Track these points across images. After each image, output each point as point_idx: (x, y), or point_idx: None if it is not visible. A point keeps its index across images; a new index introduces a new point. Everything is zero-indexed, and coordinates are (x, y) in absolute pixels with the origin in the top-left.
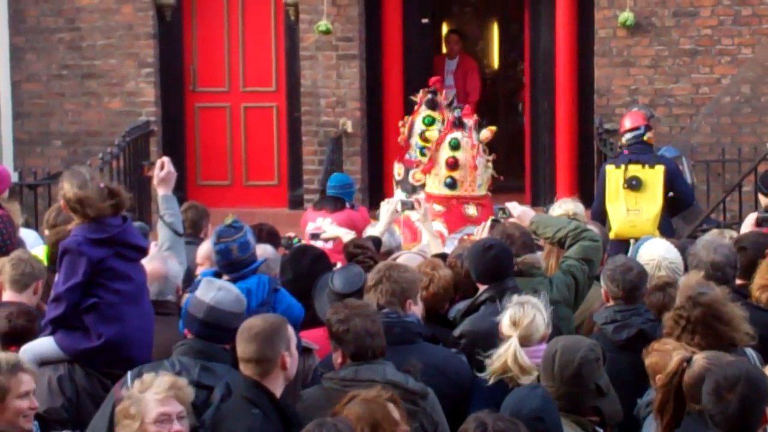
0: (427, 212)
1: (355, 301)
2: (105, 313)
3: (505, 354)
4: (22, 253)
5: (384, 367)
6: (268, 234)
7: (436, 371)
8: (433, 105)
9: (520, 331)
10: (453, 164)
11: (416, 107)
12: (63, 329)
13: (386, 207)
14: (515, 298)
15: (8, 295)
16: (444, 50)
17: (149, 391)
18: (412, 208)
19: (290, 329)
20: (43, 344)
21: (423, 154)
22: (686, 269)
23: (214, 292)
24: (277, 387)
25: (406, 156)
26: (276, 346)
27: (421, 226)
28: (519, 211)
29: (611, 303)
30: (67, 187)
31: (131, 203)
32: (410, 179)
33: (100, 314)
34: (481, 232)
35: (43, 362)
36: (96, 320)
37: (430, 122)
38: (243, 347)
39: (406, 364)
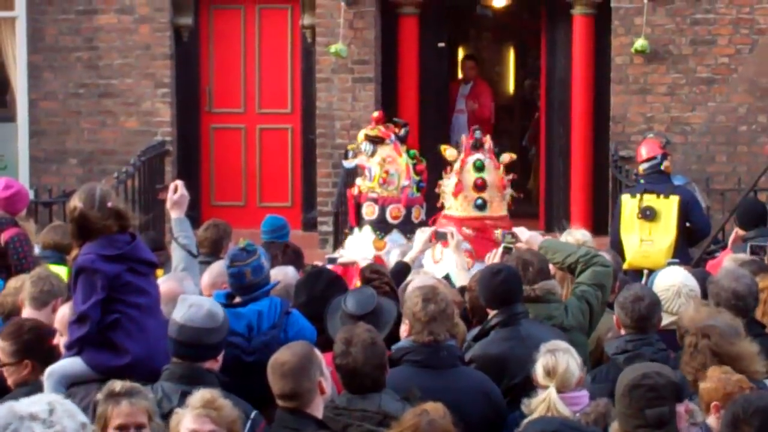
0: (459, 244)
1: (364, 332)
2: (129, 328)
3: (543, 405)
4: (43, 271)
5: (380, 396)
6: (293, 254)
7: (480, 395)
8: (403, 140)
9: (557, 380)
10: (482, 185)
11: (394, 145)
12: (90, 348)
13: (421, 235)
14: (544, 346)
15: (27, 312)
16: (460, 75)
17: (190, 406)
18: (445, 238)
19: (318, 353)
20: (70, 364)
21: (419, 190)
22: (704, 297)
23: (185, 309)
24: (318, 412)
25: (409, 194)
26: (312, 376)
27: (452, 256)
28: (527, 236)
29: (623, 332)
30: (74, 203)
31: (142, 221)
32: (387, 217)
33: (125, 330)
34: (493, 258)
35: (72, 383)
36: (122, 336)
37: (413, 155)
38: (278, 384)
39: (406, 392)
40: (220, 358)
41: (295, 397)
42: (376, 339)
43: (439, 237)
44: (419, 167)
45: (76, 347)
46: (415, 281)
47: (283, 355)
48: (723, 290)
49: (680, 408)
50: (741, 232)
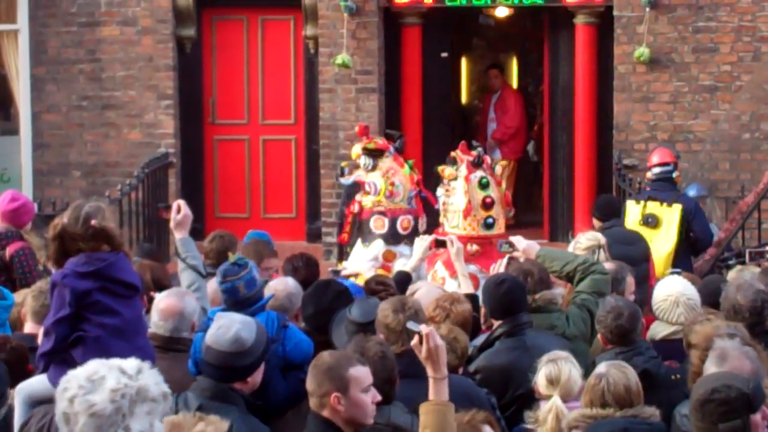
0: (460, 251)
1: (375, 345)
2: (90, 347)
3: (551, 415)
4: (44, 285)
5: (389, 408)
6: (315, 266)
7: (467, 400)
8: (400, 151)
9: (560, 389)
10: (491, 204)
11: (394, 156)
12: (55, 365)
13: (420, 243)
14: (545, 356)
15: (29, 327)
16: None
17: None
18: (445, 245)
19: (356, 372)
20: (37, 383)
21: (421, 200)
22: (705, 305)
23: (213, 330)
24: (334, 418)
25: (395, 204)
26: (322, 383)
27: (454, 264)
28: (524, 245)
29: (609, 346)
30: (59, 219)
31: (145, 234)
32: (398, 229)
33: (85, 348)
34: (497, 268)
35: (38, 401)
36: (82, 354)
37: (411, 166)
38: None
39: (415, 404)
40: (251, 379)
41: (309, 392)
42: (386, 353)
43: (440, 244)
44: (418, 178)
45: (42, 362)
46: (421, 290)
47: (324, 353)
48: (737, 301)
49: (756, 416)
50: (598, 223)
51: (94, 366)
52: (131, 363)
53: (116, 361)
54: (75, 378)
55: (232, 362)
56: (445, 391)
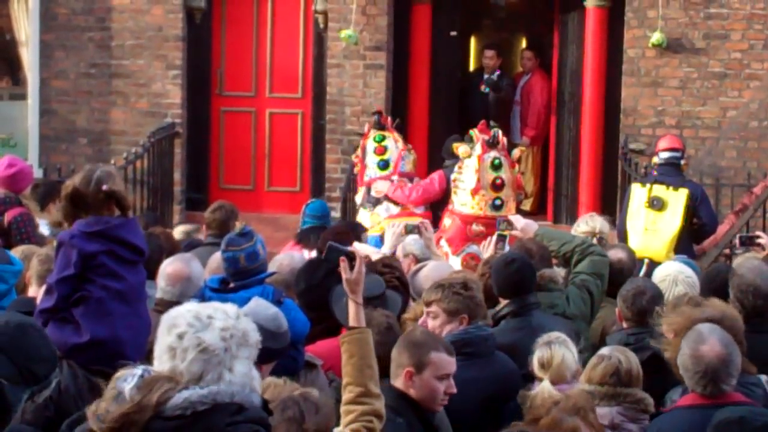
0: (433, 237)
1: (380, 316)
2: (92, 308)
3: (538, 397)
4: (51, 250)
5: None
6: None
7: (505, 379)
8: (380, 126)
9: (551, 372)
10: (501, 185)
11: (365, 133)
12: (54, 322)
13: (391, 230)
14: (541, 338)
15: (34, 290)
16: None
17: None
18: (418, 231)
19: (437, 357)
20: None
21: (381, 168)
22: (707, 290)
23: (254, 305)
24: (407, 390)
25: (365, 179)
26: (402, 354)
27: (429, 250)
28: (522, 224)
29: (624, 324)
30: (71, 180)
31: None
32: (373, 193)
33: (87, 308)
34: (487, 246)
35: None
36: (83, 314)
37: (380, 139)
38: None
39: None
40: (265, 368)
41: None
42: (392, 324)
43: (411, 230)
44: (379, 149)
45: (40, 319)
46: (428, 266)
47: (421, 330)
48: (744, 285)
49: None
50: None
51: (197, 306)
52: (230, 308)
53: (216, 304)
54: (182, 316)
55: (265, 339)
56: (363, 317)
